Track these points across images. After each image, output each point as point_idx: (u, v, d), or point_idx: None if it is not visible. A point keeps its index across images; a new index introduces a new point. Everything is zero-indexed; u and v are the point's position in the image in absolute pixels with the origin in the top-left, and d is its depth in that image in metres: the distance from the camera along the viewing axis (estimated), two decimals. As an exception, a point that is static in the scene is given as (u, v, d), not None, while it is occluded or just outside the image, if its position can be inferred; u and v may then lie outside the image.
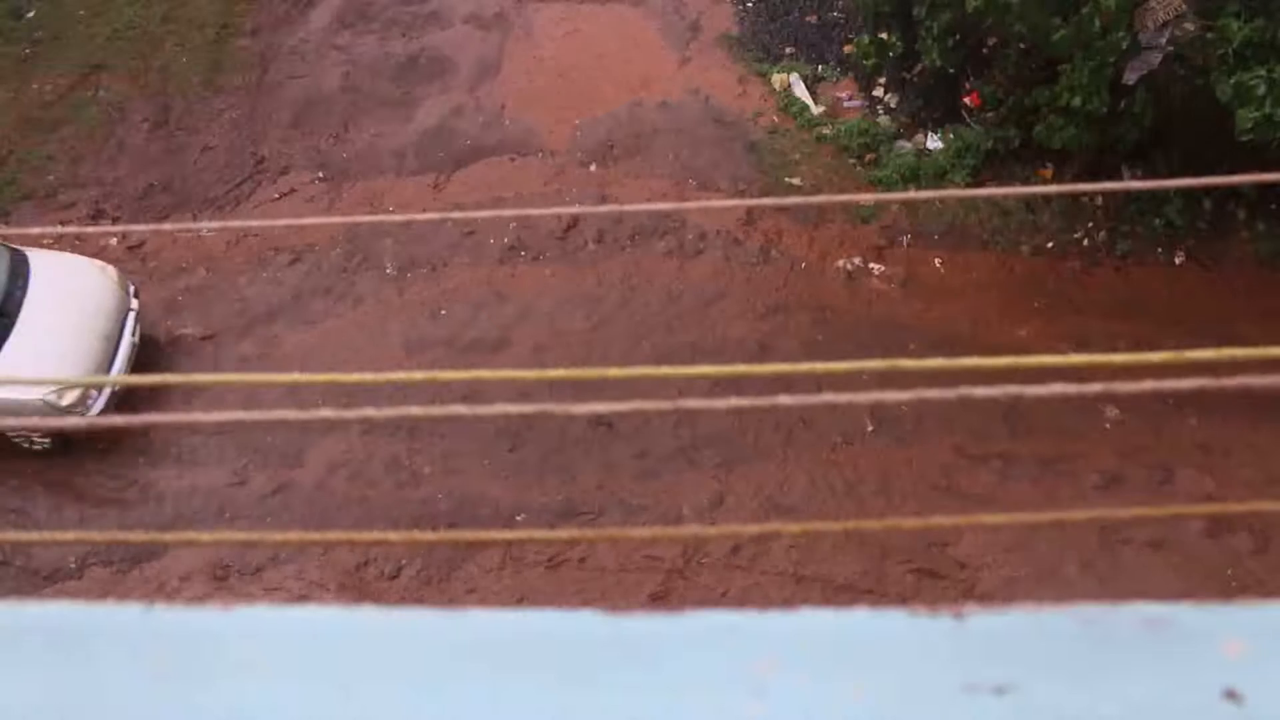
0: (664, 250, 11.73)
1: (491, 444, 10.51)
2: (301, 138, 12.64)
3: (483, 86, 13.09)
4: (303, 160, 12.48)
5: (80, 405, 9.89)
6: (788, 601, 9.53)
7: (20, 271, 10.47)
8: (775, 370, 2.71)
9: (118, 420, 10.92)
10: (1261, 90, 9.19)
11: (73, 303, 10.36)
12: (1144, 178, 11.66)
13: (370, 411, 1.96)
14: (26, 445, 10.32)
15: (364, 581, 9.91)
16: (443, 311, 11.34)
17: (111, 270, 10.84)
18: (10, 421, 9.93)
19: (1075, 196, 11.89)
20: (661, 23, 13.66)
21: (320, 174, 12.39)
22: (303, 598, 9.72)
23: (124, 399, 10.27)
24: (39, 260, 10.66)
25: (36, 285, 10.39)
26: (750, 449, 10.44)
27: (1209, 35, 10.05)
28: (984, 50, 11.41)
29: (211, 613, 1.09)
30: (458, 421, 10.13)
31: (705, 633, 1.07)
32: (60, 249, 11.06)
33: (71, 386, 9.81)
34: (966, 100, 12.44)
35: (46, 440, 10.22)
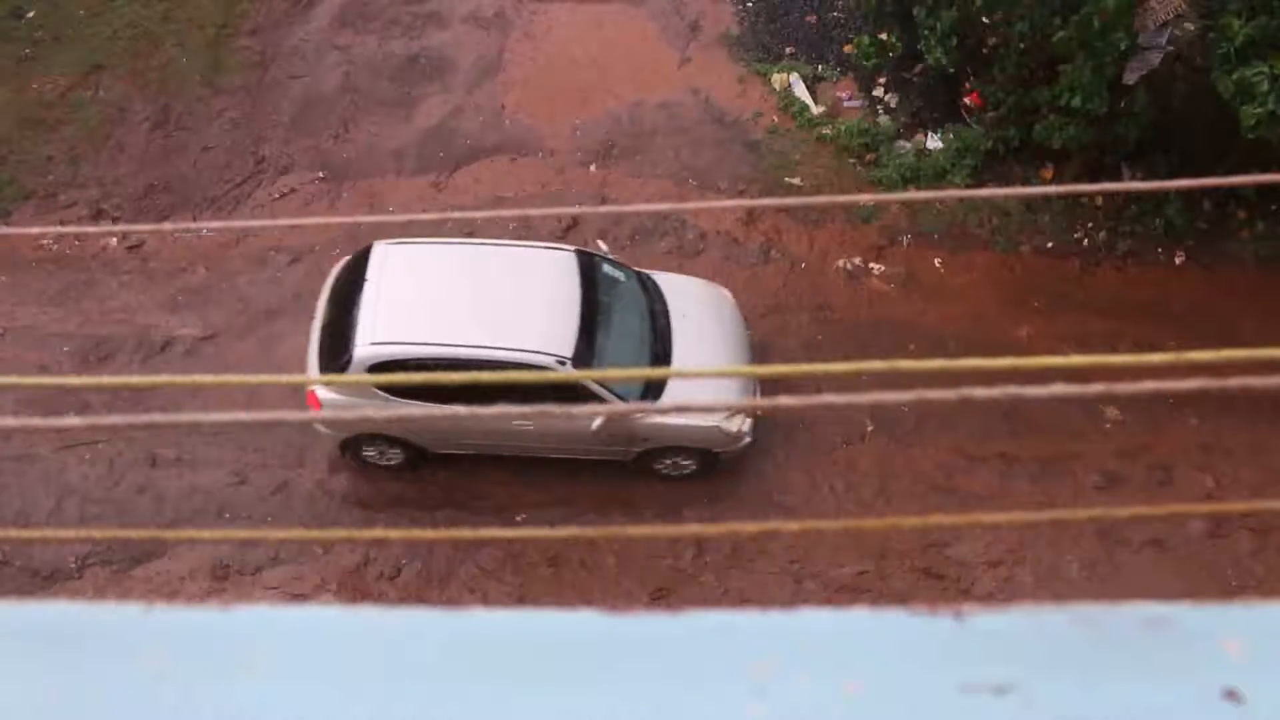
0: (664, 250, 11.73)
1: (491, 444, 10.50)
2: (301, 138, 12.64)
3: (482, 86, 13.09)
4: (303, 160, 12.48)
5: (745, 432, 9.85)
6: (788, 601, 9.53)
7: (659, 297, 10.17)
8: (775, 370, 2.71)
9: (110, 419, 10.88)
10: (1265, 87, 9.18)
11: (712, 325, 10.12)
12: (1144, 178, 11.66)
13: (370, 412, 1.96)
14: (674, 473, 10.20)
15: (364, 581, 9.91)
16: (443, 311, 11.34)
17: (725, 290, 10.66)
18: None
19: (1075, 196, 11.89)
20: (661, 23, 13.66)
21: (320, 174, 12.39)
22: (303, 598, 9.72)
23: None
24: (665, 283, 10.38)
25: (675, 309, 10.10)
26: (750, 448, 10.43)
27: (1210, 35, 10.05)
28: (984, 50, 11.40)
29: (211, 613, 1.09)
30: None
31: (705, 633, 1.07)
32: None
33: (736, 411, 9.69)
34: (966, 100, 12.44)
35: (692, 465, 10.10)
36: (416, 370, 9.02)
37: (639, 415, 9.35)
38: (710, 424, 9.64)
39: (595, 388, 9.09)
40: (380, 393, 9.04)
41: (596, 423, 9.32)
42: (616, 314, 9.77)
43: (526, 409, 1.75)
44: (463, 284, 9.58)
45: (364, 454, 10.21)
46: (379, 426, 9.75)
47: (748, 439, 9.96)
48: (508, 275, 9.69)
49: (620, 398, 9.24)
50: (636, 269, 10.42)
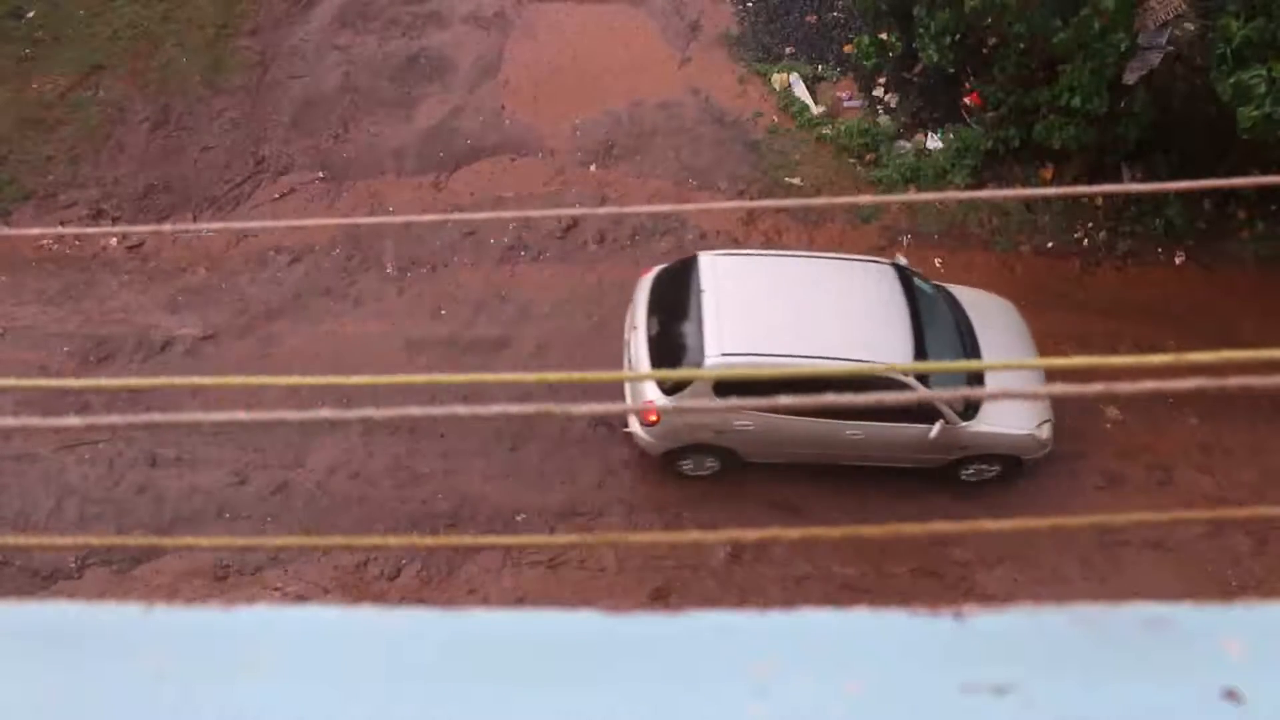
0: (664, 250, 11.72)
1: (491, 444, 10.51)
2: (301, 138, 12.64)
3: (482, 86, 13.10)
4: (303, 160, 12.48)
5: (1050, 439, 9.96)
6: (788, 601, 9.52)
7: (960, 309, 10.19)
8: (776, 372, 2.71)
9: (110, 419, 10.87)
10: (1262, 89, 9.19)
11: (1015, 338, 10.13)
12: (1144, 178, 11.66)
13: (370, 411, 1.96)
14: (973, 479, 10.21)
15: (364, 581, 9.91)
16: (443, 311, 11.35)
17: (1007, 300, 10.69)
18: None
19: (1075, 197, 11.88)
20: (661, 23, 13.67)
21: (320, 174, 12.39)
22: (302, 598, 9.72)
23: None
24: (958, 295, 10.40)
25: (975, 321, 10.08)
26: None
27: (1209, 35, 10.06)
28: (984, 50, 11.41)
29: (211, 613, 1.09)
30: (457, 421, 10.13)
31: (705, 633, 1.07)
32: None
33: (1046, 421, 9.78)
34: (966, 100, 12.44)
35: (994, 472, 10.14)
36: (755, 381, 9.05)
37: (964, 424, 9.56)
38: (1025, 433, 9.80)
39: (930, 394, 9.07)
40: (720, 400, 9.09)
41: (934, 431, 9.47)
42: (935, 326, 9.84)
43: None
44: (796, 295, 9.63)
45: (681, 465, 10.21)
46: (712, 436, 9.83)
47: (1049, 447, 10.09)
48: (837, 287, 9.80)
49: (947, 410, 9.37)
50: (934, 282, 10.49)
